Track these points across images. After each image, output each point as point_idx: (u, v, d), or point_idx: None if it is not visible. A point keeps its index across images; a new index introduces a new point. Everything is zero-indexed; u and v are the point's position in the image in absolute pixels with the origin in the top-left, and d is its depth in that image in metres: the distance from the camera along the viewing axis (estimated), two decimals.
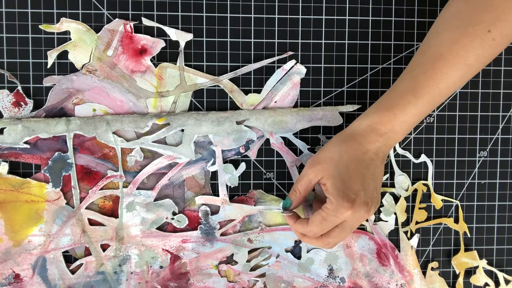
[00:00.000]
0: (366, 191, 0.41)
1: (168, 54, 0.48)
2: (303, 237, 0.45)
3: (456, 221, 0.52)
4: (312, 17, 0.49)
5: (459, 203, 0.52)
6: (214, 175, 0.49)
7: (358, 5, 0.50)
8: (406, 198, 0.51)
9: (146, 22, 0.48)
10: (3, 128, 0.46)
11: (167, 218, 0.49)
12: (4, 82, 0.47)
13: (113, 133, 0.47)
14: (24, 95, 0.47)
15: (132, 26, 0.47)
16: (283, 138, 0.50)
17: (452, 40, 0.40)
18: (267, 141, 0.50)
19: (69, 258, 0.48)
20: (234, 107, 0.49)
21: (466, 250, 0.52)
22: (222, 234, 0.49)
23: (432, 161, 0.52)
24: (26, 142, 0.47)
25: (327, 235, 0.43)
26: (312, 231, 0.43)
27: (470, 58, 0.40)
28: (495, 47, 0.40)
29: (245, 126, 0.49)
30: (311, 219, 0.43)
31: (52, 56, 0.47)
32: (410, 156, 0.51)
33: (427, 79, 0.41)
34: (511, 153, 0.52)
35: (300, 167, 0.50)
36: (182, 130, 0.48)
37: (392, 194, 0.51)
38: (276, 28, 0.49)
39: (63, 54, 0.47)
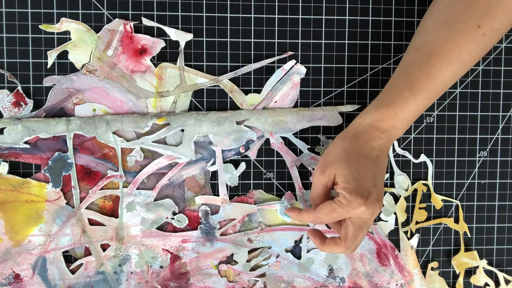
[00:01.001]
0: (376, 187, 0.41)
1: (168, 54, 0.48)
2: (321, 245, 0.45)
3: (456, 221, 0.52)
4: (312, 17, 0.49)
5: (459, 203, 0.52)
6: (214, 175, 0.49)
7: (358, 5, 0.50)
8: (406, 198, 0.51)
9: (146, 22, 0.48)
10: (3, 128, 0.46)
11: (167, 218, 0.49)
12: (4, 82, 0.47)
13: (113, 133, 0.47)
14: (24, 95, 0.47)
15: (132, 26, 0.47)
16: (283, 138, 0.50)
17: (444, 37, 0.41)
18: (267, 141, 0.50)
19: (69, 258, 0.48)
20: (234, 107, 0.49)
21: (466, 250, 0.52)
22: (222, 234, 0.49)
23: (432, 161, 0.52)
24: (26, 142, 0.47)
25: (345, 238, 0.43)
26: (319, 218, 0.43)
27: (463, 54, 0.41)
28: (486, 41, 0.41)
29: (245, 126, 0.49)
30: (320, 206, 0.43)
31: (52, 56, 0.47)
32: (410, 156, 0.51)
33: (423, 75, 0.42)
34: (511, 153, 0.52)
35: (300, 167, 0.50)
36: (182, 130, 0.48)
37: (392, 194, 0.51)
38: (276, 28, 0.49)
39: (63, 54, 0.47)
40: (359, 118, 0.44)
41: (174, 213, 0.49)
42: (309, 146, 0.50)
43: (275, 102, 0.49)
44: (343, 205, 0.41)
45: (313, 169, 0.50)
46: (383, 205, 0.51)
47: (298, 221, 0.48)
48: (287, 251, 0.50)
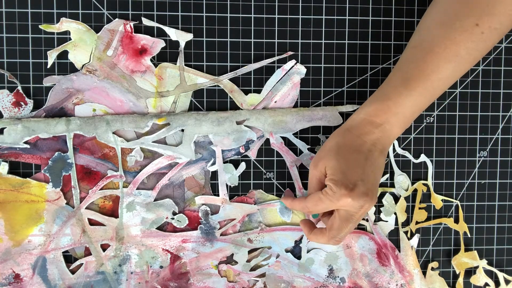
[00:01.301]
0: (365, 181, 0.41)
1: (168, 54, 0.48)
2: (309, 234, 0.46)
3: (456, 221, 0.52)
4: (312, 17, 0.49)
5: (459, 203, 0.52)
6: (214, 175, 0.49)
7: (358, 5, 0.50)
8: (406, 198, 0.51)
9: (146, 22, 0.48)
10: (3, 128, 0.46)
11: (167, 218, 0.49)
12: (4, 82, 0.47)
13: (113, 133, 0.47)
14: (24, 95, 0.47)
15: (132, 26, 0.47)
16: (283, 138, 0.50)
17: (441, 35, 0.41)
18: (267, 141, 0.50)
19: (69, 258, 0.48)
20: (234, 107, 0.49)
21: (466, 250, 0.52)
22: (222, 234, 0.49)
23: (432, 161, 0.51)
24: (26, 142, 0.47)
25: (330, 228, 0.44)
26: (307, 207, 0.44)
27: (461, 51, 0.41)
28: (485, 40, 0.41)
29: (245, 126, 0.49)
30: (309, 196, 0.44)
31: (52, 56, 0.47)
32: (410, 156, 0.51)
33: (419, 72, 0.42)
34: (511, 153, 0.52)
35: (300, 167, 0.50)
36: (182, 130, 0.48)
37: (392, 194, 0.51)
38: (276, 28, 0.49)
39: (63, 54, 0.47)
40: (354, 114, 0.44)
41: (174, 213, 0.49)
42: (309, 146, 0.50)
43: (275, 102, 0.49)
44: (329, 196, 0.41)
45: None
46: (383, 205, 0.51)
47: (290, 208, 0.49)
48: (287, 251, 0.50)
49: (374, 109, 0.43)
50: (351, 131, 0.43)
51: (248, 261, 0.50)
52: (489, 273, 0.52)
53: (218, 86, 0.49)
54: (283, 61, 0.49)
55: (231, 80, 0.49)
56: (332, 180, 0.41)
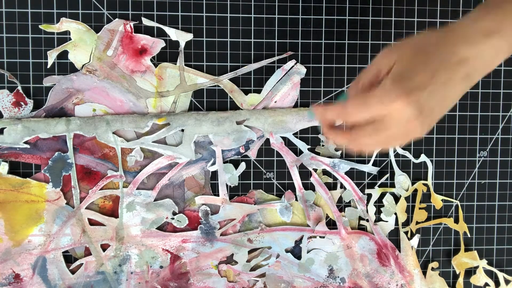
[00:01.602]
0: (428, 93, 0.32)
1: (168, 54, 0.48)
2: (328, 129, 0.37)
3: (456, 221, 0.52)
4: (312, 17, 0.49)
5: (459, 203, 0.52)
6: (214, 175, 0.49)
7: (358, 5, 0.50)
8: (406, 198, 0.51)
9: (146, 22, 0.48)
10: (3, 128, 0.46)
11: (167, 218, 0.49)
12: (4, 82, 0.47)
13: (113, 133, 0.47)
14: (24, 95, 0.47)
15: (132, 26, 0.47)
16: (283, 138, 0.50)
17: None
18: (267, 141, 0.49)
19: (69, 258, 0.48)
20: (234, 107, 0.49)
21: (466, 250, 0.52)
22: (222, 234, 0.49)
23: (432, 161, 0.51)
24: (26, 142, 0.47)
25: (357, 129, 0.34)
26: (346, 112, 0.34)
27: None
28: None
29: (245, 126, 0.49)
30: (353, 97, 0.35)
31: (52, 56, 0.47)
32: (410, 156, 0.51)
33: None
34: (511, 153, 0.52)
35: (300, 167, 0.50)
36: (182, 130, 0.48)
37: (393, 194, 0.51)
38: (276, 28, 0.49)
39: (63, 54, 0.47)
40: (458, 20, 0.35)
41: (174, 213, 0.49)
42: (309, 146, 0.50)
43: (275, 102, 0.49)
44: (377, 95, 0.32)
45: (314, 169, 0.50)
46: (383, 205, 0.51)
47: (321, 118, 0.37)
48: (287, 251, 0.50)
49: (486, 13, 0.33)
50: (448, 34, 0.33)
51: (248, 261, 0.50)
52: (489, 273, 0.52)
53: (218, 86, 0.49)
54: (283, 61, 0.49)
55: (231, 80, 0.49)
56: (393, 75, 0.32)
